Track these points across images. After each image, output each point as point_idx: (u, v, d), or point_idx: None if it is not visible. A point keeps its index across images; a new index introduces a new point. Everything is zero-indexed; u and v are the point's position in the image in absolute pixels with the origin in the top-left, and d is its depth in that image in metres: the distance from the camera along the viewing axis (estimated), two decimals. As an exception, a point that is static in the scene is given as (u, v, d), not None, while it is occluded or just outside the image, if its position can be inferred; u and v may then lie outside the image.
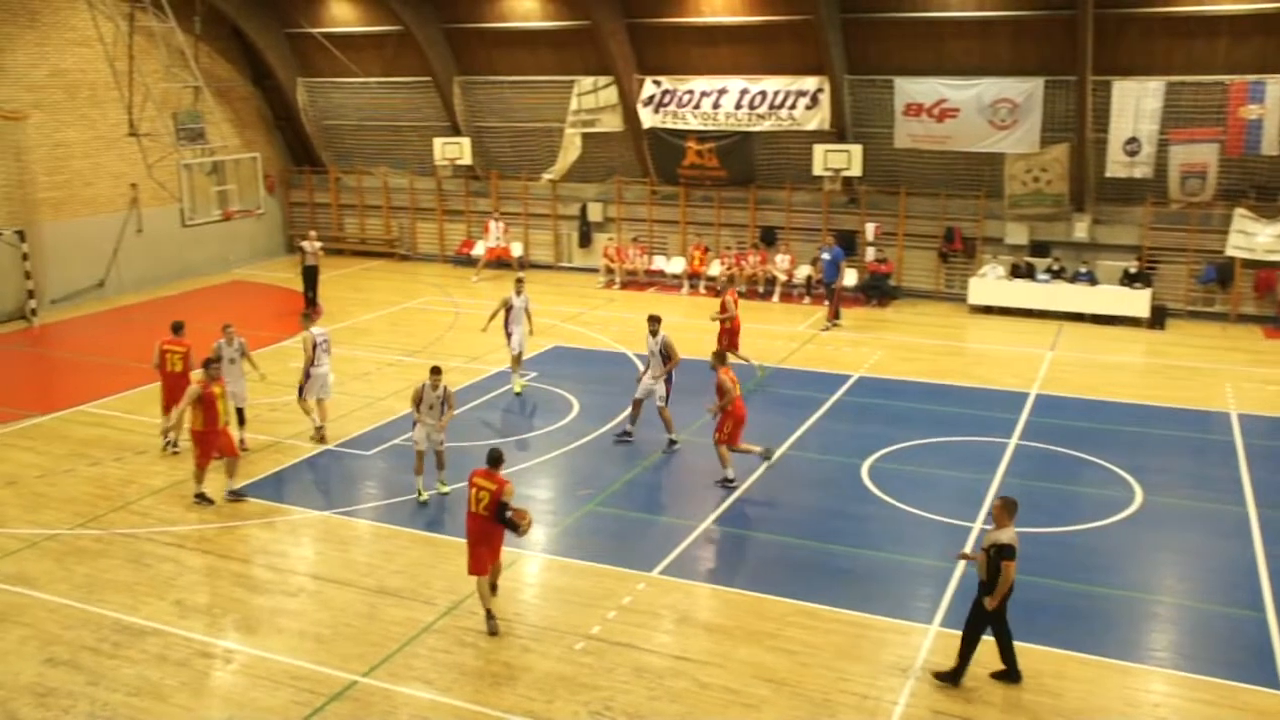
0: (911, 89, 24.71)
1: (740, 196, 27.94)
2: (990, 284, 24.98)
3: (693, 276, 27.78)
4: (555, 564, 12.71)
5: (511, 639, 10.91)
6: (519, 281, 19.50)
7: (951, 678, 10.11)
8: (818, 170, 25.99)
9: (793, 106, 26.05)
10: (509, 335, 18.90)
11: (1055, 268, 24.68)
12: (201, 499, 14.26)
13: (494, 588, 11.65)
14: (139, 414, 17.96)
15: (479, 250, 30.45)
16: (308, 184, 33.29)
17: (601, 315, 25.11)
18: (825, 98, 25.62)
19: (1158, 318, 23.61)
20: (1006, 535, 9.80)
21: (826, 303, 24.23)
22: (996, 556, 9.77)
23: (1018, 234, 25.22)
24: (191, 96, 24.23)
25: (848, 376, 19.93)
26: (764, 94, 26.31)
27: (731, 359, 17.68)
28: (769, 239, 27.54)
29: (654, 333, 16.46)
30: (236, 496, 14.38)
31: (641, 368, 17.28)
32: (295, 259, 25.74)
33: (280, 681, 10.16)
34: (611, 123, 28.34)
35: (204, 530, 13.49)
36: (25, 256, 24.93)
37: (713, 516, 13.86)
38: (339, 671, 10.31)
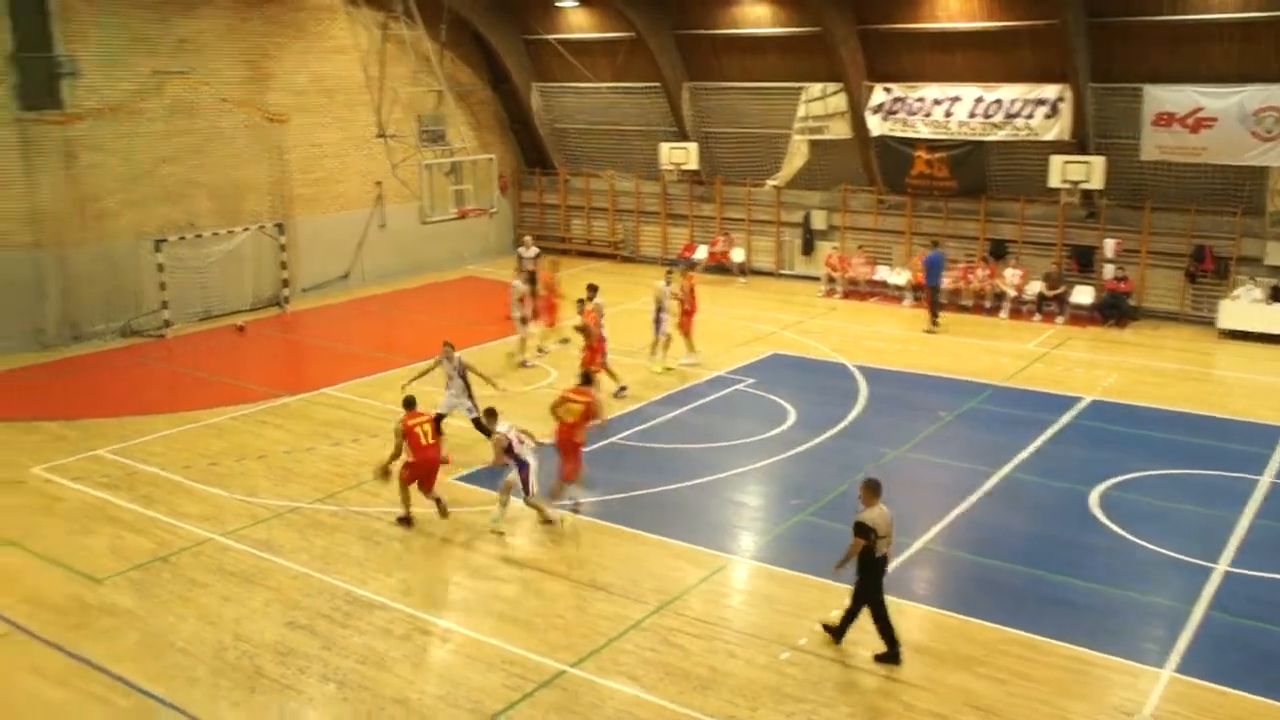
0: (1163, 97, 23.22)
1: (970, 208, 27.03)
2: (1245, 307, 23.18)
3: (917, 288, 27.05)
4: (764, 571, 12.65)
5: (718, 643, 10.94)
6: (669, 273, 21.53)
7: (890, 658, 10.56)
8: (1054, 182, 24.83)
9: (1030, 115, 24.97)
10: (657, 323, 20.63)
11: (1323, 292, 22.68)
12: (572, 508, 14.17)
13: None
14: (374, 399, 19.03)
15: (701, 254, 30.77)
16: (538, 185, 34.44)
17: (821, 324, 24.84)
18: (1066, 106, 24.43)
19: None
20: (866, 515, 10.43)
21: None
22: (853, 531, 10.44)
23: (1280, 254, 23.35)
24: (435, 100, 25.53)
25: (1078, 399, 18.95)
26: (1000, 102, 25.34)
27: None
28: (999, 252, 26.51)
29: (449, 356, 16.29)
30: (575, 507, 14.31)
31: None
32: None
33: (493, 664, 10.54)
34: (839, 130, 27.98)
35: (428, 513, 14.14)
36: (283, 248, 26.90)
37: (927, 536, 13.45)
38: (549, 660, 10.60)
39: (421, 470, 13.71)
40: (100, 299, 23.82)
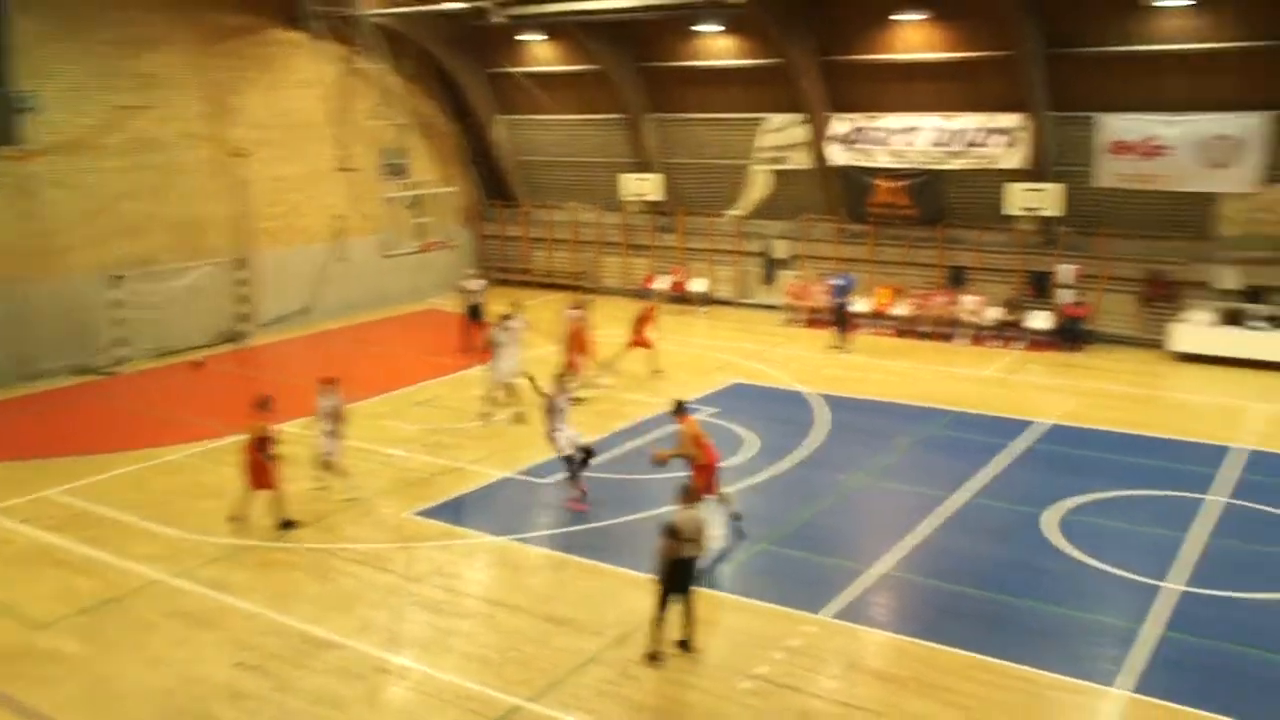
0: (1118, 125, 23.56)
1: (930, 235, 27.26)
2: (1197, 331, 23.45)
3: (878, 316, 27.19)
4: (724, 601, 12.57)
5: (676, 674, 10.85)
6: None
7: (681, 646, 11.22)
8: (1012, 210, 25.10)
9: (989, 144, 25.26)
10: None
11: (1276, 315, 22.94)
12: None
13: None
14: (335, 434, 18.82)
15: (660, 285, 30.82)
16: (500, 218, 34.43)
17: (783, 353, 24.90)
18: (1025, 135, 24.75)
19: (1392, 372, 21.69)
20: (676, 517, 11.01)
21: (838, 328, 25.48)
22: (662, 532, 11.04)
23: (1231, 279, 23.60)
24: (396, 134, 25.50)
25: (1035, 423, 19.07)
26: (960, 131, 25.64)
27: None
28: (957, 279, 26.74)
29: None
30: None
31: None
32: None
33: (449, 700, 10.40)
34: (800, 160, 28.19)
35: (383, 550, 13.99)
36: (243, 282, 26.67)
37: (886, 561, 13.45)
38: (505, 695, 10.47)
39: None
40: (54, 335, 23.49)
